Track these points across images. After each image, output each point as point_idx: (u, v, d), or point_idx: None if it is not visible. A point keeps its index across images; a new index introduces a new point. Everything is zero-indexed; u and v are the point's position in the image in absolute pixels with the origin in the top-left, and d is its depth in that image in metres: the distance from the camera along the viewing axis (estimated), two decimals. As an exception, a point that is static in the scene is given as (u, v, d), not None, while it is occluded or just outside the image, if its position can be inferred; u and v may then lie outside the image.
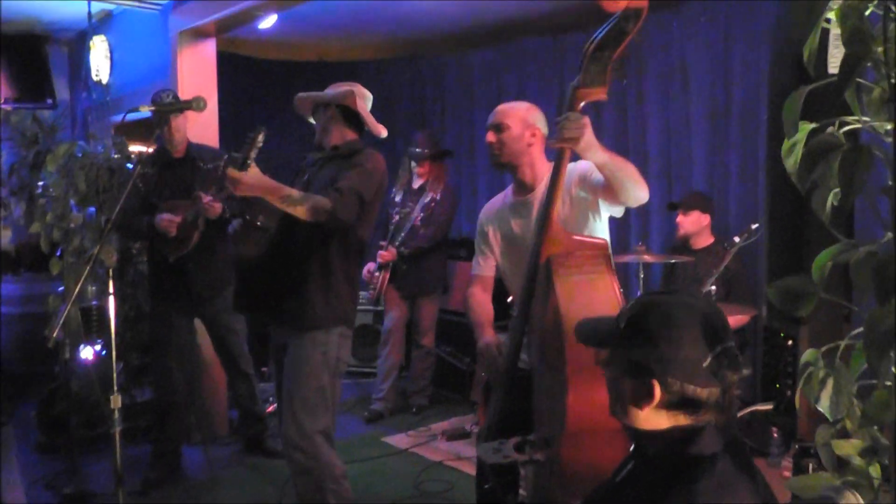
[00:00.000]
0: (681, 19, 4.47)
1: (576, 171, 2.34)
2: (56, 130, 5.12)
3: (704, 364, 1.23)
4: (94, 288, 3.44)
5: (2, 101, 5.21)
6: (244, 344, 4.04)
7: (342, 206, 2.54)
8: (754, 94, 4.12)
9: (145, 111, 2.27)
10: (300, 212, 2.48)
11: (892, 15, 1.07)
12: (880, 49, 1.07)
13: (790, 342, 2.29)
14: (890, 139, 1.08)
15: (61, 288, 3.93)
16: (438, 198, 4.68)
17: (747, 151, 4.19)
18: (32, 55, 5.28)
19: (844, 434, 1.34)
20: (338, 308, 2.72)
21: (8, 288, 5.04)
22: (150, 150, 3.97)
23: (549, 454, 2.04)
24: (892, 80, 1.05)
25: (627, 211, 2.39)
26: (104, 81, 5.12)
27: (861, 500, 1.00)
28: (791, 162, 1.16)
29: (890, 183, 1.09)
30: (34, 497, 3.61)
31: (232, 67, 5.43)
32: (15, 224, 5.15)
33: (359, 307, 3.42)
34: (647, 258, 3.70)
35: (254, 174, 2.39)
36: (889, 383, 1.19)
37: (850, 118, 1.14)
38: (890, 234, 1.10)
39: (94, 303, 3.59)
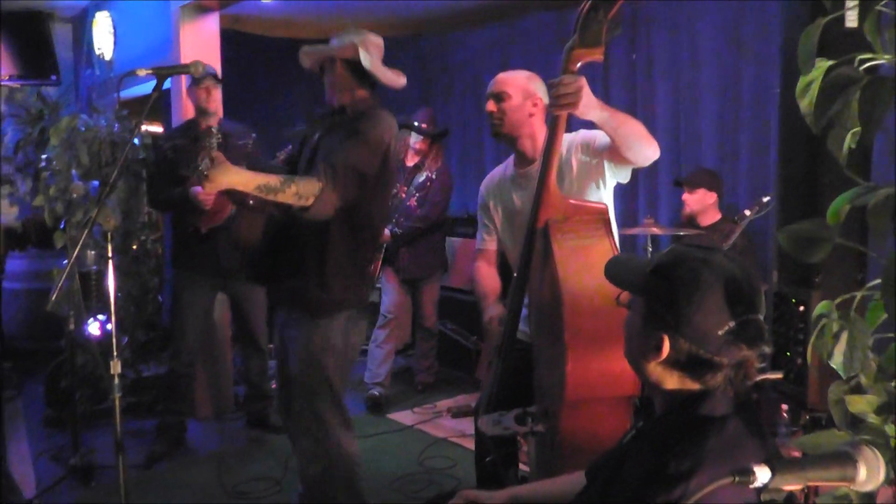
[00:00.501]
0: (690, -8, 4.39)
1: (578, 138, 2.30)
2: (60, 107, 5.11)
3: (720, 331, 1.18)
4: (93, 253, 3.41)
5: (6, 78, 5.18)
6: (263, 320, 4.03)
7: (334, 186, 2.28)
8: (766, 69, 4.04)
9: (142, 74, 2.22)
10: (285, 199, 2.23)
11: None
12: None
13: (801, 308, 2.23)
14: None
15: (66, 261, 3.92)
16: (434, 178, 4.57)
17: (758, 128, 4.11)
18: (36, 32, 5.24)
19: (858, 391, 1.30)
20: (343, 293, 2.50)
21: (15, 264, 5.04)
22: (151, 128, 3.96)
23: (550, 426, 2.00)
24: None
25: (635, 184, 2.34)
26: (107, 57, 5.09)
27: (880, 457, 0.96)
28: (806, 102, 1.11)
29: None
30: (41, 469, 3.63)
31: (236, 45, 5.38)
32: (21, 200, 5.14)
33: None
34: (656, 231, 3.65)
35: (219, 176, 2.14)
36: (908, 334, 1.14)
37: (869, 55, 1.09)
38: (910, 177, 1.06)
39: (93, 268, 3.57)
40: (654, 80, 4.59)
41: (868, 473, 1.00)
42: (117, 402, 2.18)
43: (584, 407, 1.89)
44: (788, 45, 2.14)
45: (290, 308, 2.61)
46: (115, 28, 5.14)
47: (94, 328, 3.95)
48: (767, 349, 1.21)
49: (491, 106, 2.37)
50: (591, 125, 2.11)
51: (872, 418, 1.28)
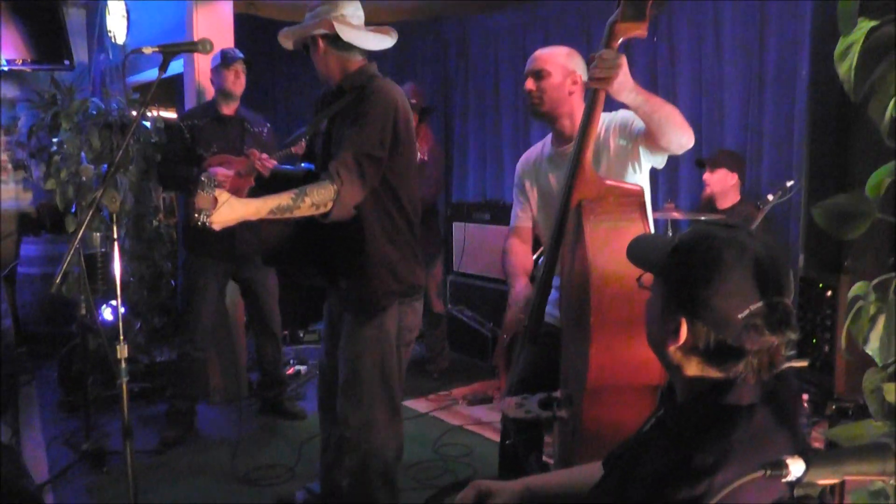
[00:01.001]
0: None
1: (616, 119, 2.22)
2: (74, 91, 5.07)
3: (742, 315, 1.10)
4: (99, 236, 3.38)
5: (19, 62, 5.16)
6: (276, 305, 4.00)
7: (351, 183, 2.14)
8: (792, 48, 3.91)
9: (148, 52, 2.17)
10: (302, 213, 2.10)
11: None
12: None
13: (829, 293, 2.14)
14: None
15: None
16: (426, 158, 4.42)
17: (782, 110, 3.99)
18: (49, 17, 5.20)
19: (896, 378, 1.22)
20: (392, 281, 2.36)
21: (29, 249, 5.04)
22: (165, 113, 3.93)
23: (573, 412, 1.94)
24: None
25: (655, 169, 2.26)
26: (120, 42, 5.05)
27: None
28: (845, 66, 1.03)
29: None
30: (54, 454, 3.62)
31: (250, 29, 5.32)
32: (36, 186, 5.13)
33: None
34: (676, 215, 3.56)
35: (225, 211, 1.99)
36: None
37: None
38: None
39: (101, 250, 3.54)
40: (676, 59, 4.47)
41: (909, 467, 0.92)
42: (124, 388, 2.13)
43: (606, 394, 1.82)
44: (818, 12, 2.03)
45: (341, 304, 2.51)
46: (128, 12, 5.10)
47: (107, 313, 3.94)
48: (794, 336, 1.13)
49: (530, 84, 2.29)
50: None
51: (911, 408, 1.20)
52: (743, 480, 0.92)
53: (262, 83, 6.29)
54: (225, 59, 3.66)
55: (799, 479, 0.93)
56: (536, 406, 2.04)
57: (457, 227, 5.23)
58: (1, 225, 5.36)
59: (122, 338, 2.12)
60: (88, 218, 2.01)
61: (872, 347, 1.21)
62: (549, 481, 1.56)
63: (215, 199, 1.97)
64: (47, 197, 4.48)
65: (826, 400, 2.26)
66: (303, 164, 2.58)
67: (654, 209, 3.94)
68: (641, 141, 2.12)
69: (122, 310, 2.10)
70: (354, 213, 2.24)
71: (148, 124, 4.00)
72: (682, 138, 2.00)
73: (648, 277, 1.29)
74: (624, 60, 1.83)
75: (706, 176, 3.82)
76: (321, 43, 2.30)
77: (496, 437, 3.71)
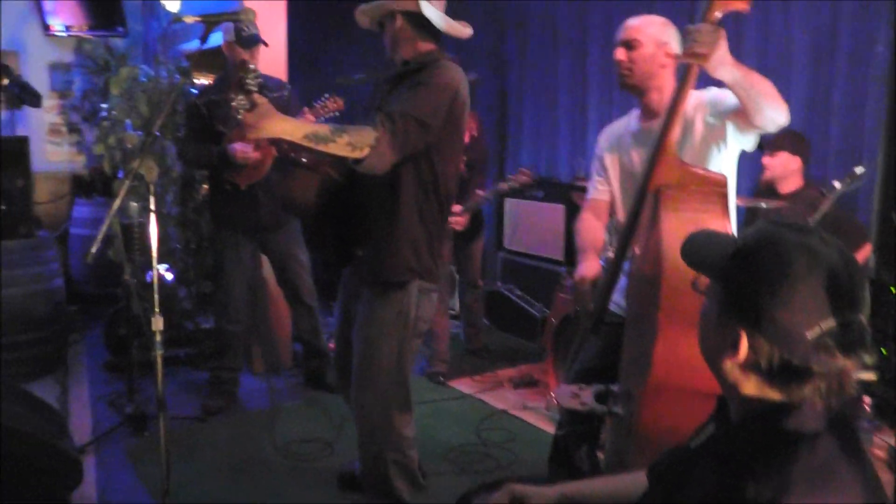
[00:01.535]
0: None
1: (707, 97, 2.09)
2: (126, 58, 5.10)
3: (811, 333, 0.96)
4: (137, 205, 3.37)
5: (75, 29, 5.20)
6: (308, 276, 3.94)
7: (393, 136, 2.09)
8: (868, 20, 3.61)
9: (190, 21, 2.10)
10: (336, 149, 2.03)
11: None
12: None
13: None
14: None
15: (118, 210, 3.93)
16: (476, 134, 4.28)
17: (853, 88, 3.70)
18: (104, -17, 5.24)
19: None
20: (413, 259, 2.32)
21: (82, 210, 5.12)
22: (210, 81, 3.87)
23: (629, 409, 1.82)
24: None
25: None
26: (173, 10, 5.02)
27: None
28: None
29: None
30: (98, 413, 3.67)
31: (303, 2, 5.22)
32: (88, 149, 5.19)
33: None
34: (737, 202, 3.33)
35: (261, 116, 1.97)
36: None
37: None
38: None
39: (138, 220, 3.53)
40: (740, 33, 4.19)
41: None
42: (159, 360, 2.10)
43: (667, 395, 1.70)
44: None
45: (358, 276, 2.47)
46: (181, -21, 5.05)
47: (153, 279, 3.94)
48: (870, 359, 0.99)
49: (620, 54, 2.18)
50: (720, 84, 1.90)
51: None
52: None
53: (313, 55, 6.19)
54: (240, 39, 3.48)
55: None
56: (592, 398, 1.96)
57: (509, 203, 5.10)
58: (55, 186, 5.45)
59: (156, 310, 2.07)
60: (125, 188, 1.95)
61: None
62: (585, 489, 1.44)
63: (254, 102, 1.94)
64: (99, 160, 4.51)
65: (886, 414, 2.07)
66: None
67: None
68: (732, 119, 1.99)
69: (156, 280, 2.04)
70: (387, 170, 2.17)
71: (195, 91, 3.95)
72: (778, 115, 1.87)
73: (703, 280, 1.15)
74: (723, 34, 1.71)
75: (766, 159, 3.56)
76: (399, 19, 2.28)
77: (541, 424, 3.62)
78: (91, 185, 5.25)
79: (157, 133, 3.81)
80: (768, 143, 3.57)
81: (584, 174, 5.01)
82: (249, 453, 3.28)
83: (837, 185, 3.13)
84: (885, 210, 2.97)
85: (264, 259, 3.97)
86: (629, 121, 2.33)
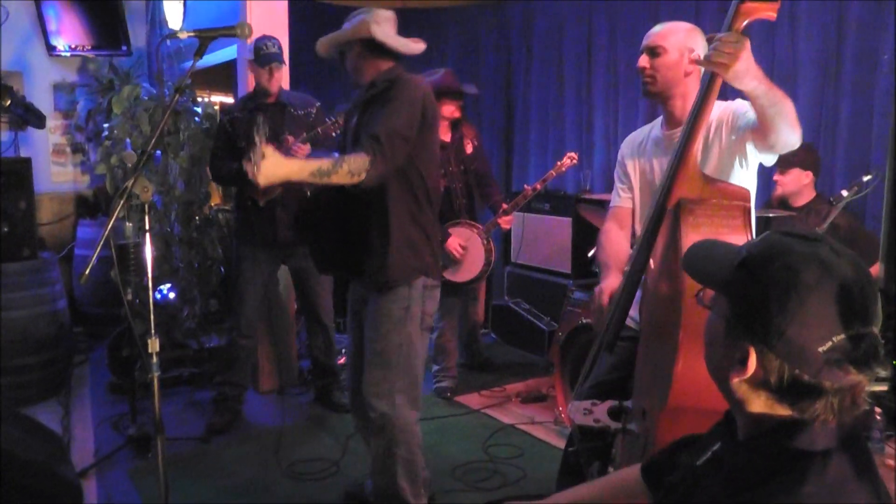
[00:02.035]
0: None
1: (732, 108, 2.03)
2: (131, 77, 5.10)
3: (822, 349, 0.92)
4: (132, 225, 3.35)
5: (79, 48, 5.21)
6: (328, 294, 3.96)
7: (382, 155, 2.29)
8: (871, 29, 3.56)
9: (184, 36, 2.08)
10: (339, 179, 2.25)
11: None
12: None
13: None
14: None
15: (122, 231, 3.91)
16: (478, 143, 4.26)
17: (860, 95, 3.65)
18: (108, 3, 5.25)
19: None
20: (413, 259, 2.49)
21: (86, 231, 5.10)
22: (224, 98, 3.89)
23: (644, 428, 1.77)
24: None
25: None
26: (176, 28, 5.04)
27: None
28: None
29: None
30: (102, 435, 3.63)
31: (307, 15, 5.23)
32: (92, 169, 5.18)
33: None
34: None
35: (270, 166, 2.12)
36: None
37: None
38: None
39: (134, 240, 3.51)
40: (749, 40, 4.14)
41: None
42: (156, 382, 2.07)
43: (686, 416, 1.64)
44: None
45: (362, 282, 2.60)
46: (185, -2, 5.07)
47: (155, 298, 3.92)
48: (885, 372, 0.94)
49: (644, 62, 2.12)
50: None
51: None
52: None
53: (315, 68, 6.19)
54: (258, 57, 3.60)
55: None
56: (605, 414, 1.91)
57: (516, 217, 5.05)
58: (59, 207, 5.44)
59: (153, 331, 2.04)
60: (119, 208, 1.92)
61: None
62: (577, 497, 1.40)
63: (262, 153, 2.11)
64: (104, 180, 4.51)
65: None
66: (335, 154, 2.69)
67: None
68: (751, 135, 1.93)
69: (151, 301, 2.01)
70: (379, 184, 2.38)
71: (199, 110, 3.94)
72: (791, 137, 1.81)
73: (709, 293, 1.10)
74: (747, 44, 1.63)
75: (777, 177, 3.50)
76: (357, 47, 2.49)
77: (549, 439, 3.57)
78: (95, 206, 5.25)
79: (158, 152, 3.88)
80: (779, 160, 3.49)
81: (590, 186, 4.98)
82: (254, 473, 3.24)
83: (845, 193, 3.09)
84: (893, 220, 2.91)
85: (282, 276, 3.97)
86: (651, 129, 2.29)
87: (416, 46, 2.52)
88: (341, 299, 4.48)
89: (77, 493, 2.50)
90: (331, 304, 4.00)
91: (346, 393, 4.08)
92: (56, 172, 5.47)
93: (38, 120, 4.55)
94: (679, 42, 2.08)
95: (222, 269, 4.32)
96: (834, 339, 0.92)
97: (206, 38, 2.12)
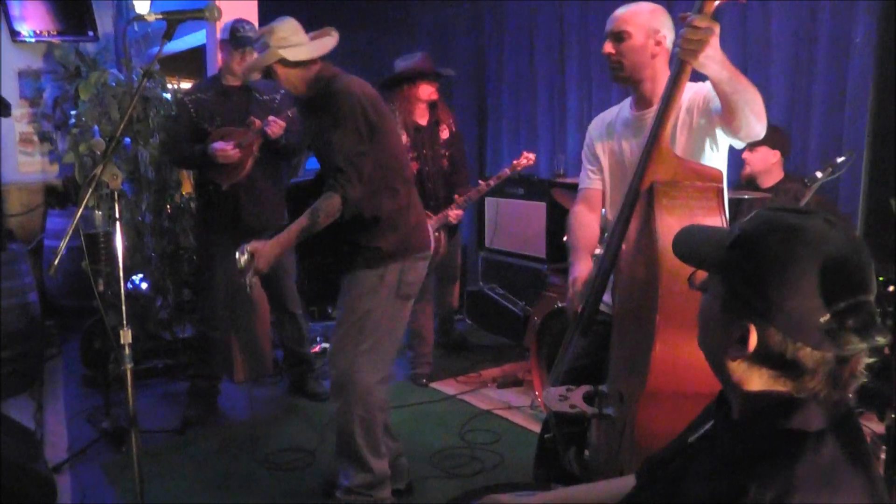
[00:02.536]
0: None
1: (701, 94, 2.01)
2: (97, 63, 5.00)
3: (823, 319, 0.93)
4: (101, 214, 3.30)
5: (44, 34, 5.09)
6: (292, 282, 3.90)
7: (349, 181, 2.45)
8: (844, 15, 3.59)
9: (151, 19, 2.04)
10: (325, 224, 2.44)
11: None
12: None
13: (892, 288, 1.91)
14: None
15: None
16: (455, 129, 4.22)
17: (834, 79, 3.68)
18: (74, -13, 5.13)
19: None
20: (394, 242, 2.61)
21: (55, 222, 5.00)
22: (179, 85, 3.83)
23: (622, 412, 1.78)
24: None
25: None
26: (143, 13, 4.93)
27: None
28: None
29: None
30: (75, 429, 3.59)
31: (278, 3, 5.13)
32: (60, 158, 5.09)
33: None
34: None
35: (263, 255, 2.38)
36: None
37: None
38: None
39: (104, 229, 3.45)
40: (720, 20, 4.15)
41: None
42: (129, 374, 2.04)
43: (665, 399, 1.65)
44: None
45: (344, 273, 2.69)
46: (151, -19, 4.97)
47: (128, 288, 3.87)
48: (884, 340, 0.95)
49: (608, 48, 2.09)
50: None
51: None
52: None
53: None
54: (234, 38, 3.52)
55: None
56: (580, 400, 1.92)
57: (489, 202, 5.06)
58: (27, 198, 5.34)
59: (125, 322, 2.01)
60: (87, 196, 1.89)
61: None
62: (568, 497, 1.40)
63: (251, 257, 2.33)
64: (72, 170, 4.42)
65: (883, 408, 2.04)
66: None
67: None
68: (717, 119, 1.93)
69: (123, 291, 1.98)
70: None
71: (168, 96, 3.88)
72: (755, 127, 1.82)
73: (700, 275, 1.11)
74: (717, 30, 1.63)
75: (746, 154, 3.55)
76: (278, 68, 2.56)
77: (526, 424, 3.59)
78: (65, 196, 5.14)
79: (128, 140, 3.81)
80: (747, 139, 3.56)
81: (563, 171, 4.99)
82: (231, 465, 3.22)
83: (819, 174, 3.13)
84: (873, 197, 2.95)
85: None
86: (620, 110, 2.27)
87: (329, 41, 2.59)
88: (318, 287, 4.48)
89: (51, 489, 2.47)
90: (296, 291, 3.93)
91: (322, 381, 4.13)
92: (24, 162, 5.35)
93: (4, 108, 4.44)
94: (643, 24, 2.06)
95: (195, 258, 4.26)
96: (833, 308, 0.93)
97: (174, 21, 2.08)
